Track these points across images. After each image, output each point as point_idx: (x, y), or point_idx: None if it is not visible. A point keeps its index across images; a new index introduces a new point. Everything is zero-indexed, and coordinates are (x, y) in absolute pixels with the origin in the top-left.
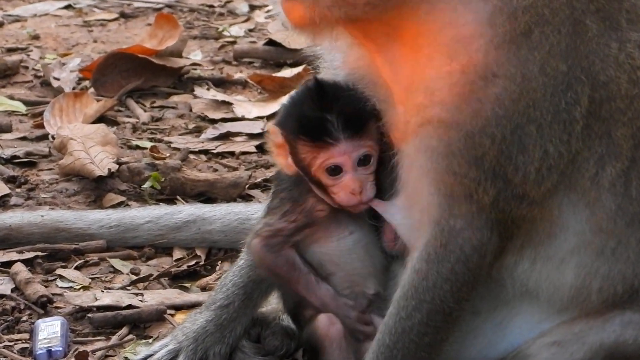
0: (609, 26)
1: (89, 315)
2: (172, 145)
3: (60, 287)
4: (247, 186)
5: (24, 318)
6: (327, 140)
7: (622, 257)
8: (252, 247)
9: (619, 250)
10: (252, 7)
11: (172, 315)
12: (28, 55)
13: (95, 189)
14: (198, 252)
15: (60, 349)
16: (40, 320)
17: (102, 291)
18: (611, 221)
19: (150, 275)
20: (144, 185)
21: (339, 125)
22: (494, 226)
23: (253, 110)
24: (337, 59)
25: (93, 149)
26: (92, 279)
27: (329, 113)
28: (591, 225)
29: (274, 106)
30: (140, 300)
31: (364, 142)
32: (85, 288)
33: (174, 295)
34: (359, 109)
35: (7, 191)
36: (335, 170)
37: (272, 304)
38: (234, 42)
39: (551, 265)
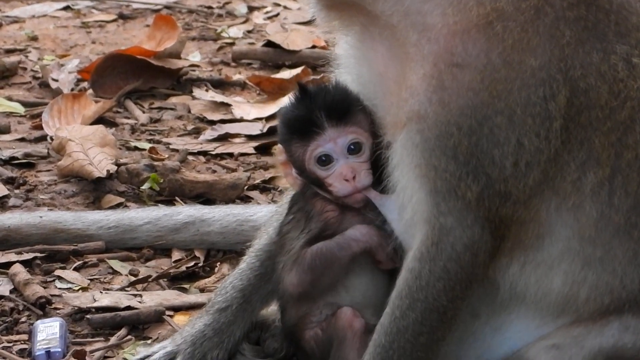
0: (593, 35)
1: (88, 316)
2: (171, 147)
3: (59, 288)
4: (245, 187)
5: (23, 319)
6: (313, 130)
7: (609, 268)
8: (287, 285)
9: (605, 260)
10: (251, 9)
11: (170, 316)
12: (26, 57)
13: (93, 190)
14: (197, 254)
15: (59, 350)
16: (39, 321)
17: (100, 292)
18: (594, 229)
19: (149, 276)
20: (143, 187)
21: (322, 116)
22: (485, 224)
23: (252, 111)
24: (342, 50)
25: (92, 150)
26: (90, 280)
27: (312, 108)
28: (574, 232)
29: (273, 107)
30: (139, 302)
31: (350, 129)
32: (84, 289)
33: (172, 297)
34: (342, 99)
35: (6, 192)
36: (325, 160)
37: (272, 306)
38: (232, 44)
39: (540, 270)
